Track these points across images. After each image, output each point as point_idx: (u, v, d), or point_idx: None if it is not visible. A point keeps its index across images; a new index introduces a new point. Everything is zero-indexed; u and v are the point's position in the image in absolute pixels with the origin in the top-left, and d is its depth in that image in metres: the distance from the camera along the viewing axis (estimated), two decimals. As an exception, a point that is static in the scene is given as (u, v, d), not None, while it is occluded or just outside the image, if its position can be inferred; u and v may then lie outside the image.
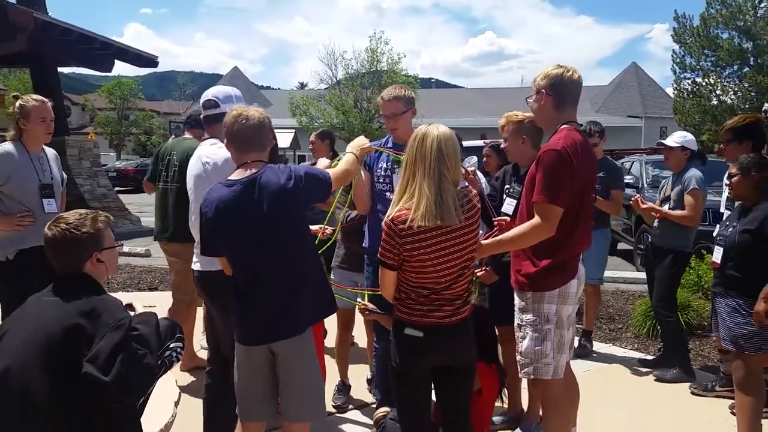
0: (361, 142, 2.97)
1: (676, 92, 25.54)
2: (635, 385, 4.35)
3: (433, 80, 64.26)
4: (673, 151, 4.40)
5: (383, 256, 2.41)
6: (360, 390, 4.12)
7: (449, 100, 37.12)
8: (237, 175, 2.47)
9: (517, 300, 2.87)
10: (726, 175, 3.49)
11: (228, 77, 40.91)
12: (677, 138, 4.44)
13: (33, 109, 3.48)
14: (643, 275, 7.51)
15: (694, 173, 4.29)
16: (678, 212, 4.28)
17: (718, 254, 3.37)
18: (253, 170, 2.44)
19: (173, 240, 4.33)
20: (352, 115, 27.18)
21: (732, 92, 23.88)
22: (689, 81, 24.74)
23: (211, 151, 2.97)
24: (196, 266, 2.94)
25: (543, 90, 2.78)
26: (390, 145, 3.40)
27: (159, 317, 2.18)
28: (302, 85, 48.05)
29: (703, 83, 24.18)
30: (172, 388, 2.88)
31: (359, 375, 4.21)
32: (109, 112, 44.72)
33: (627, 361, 4.77)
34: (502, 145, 3.71)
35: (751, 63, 23.71)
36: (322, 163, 3.03)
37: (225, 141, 2.54)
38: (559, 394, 2.83)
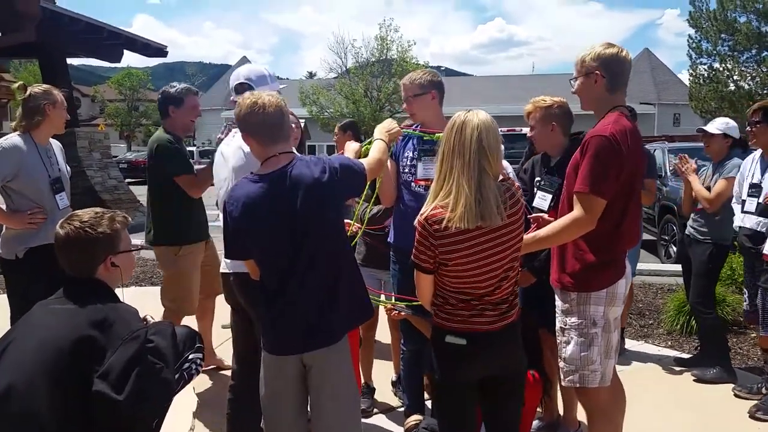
0: (387, 126, 2.74)
1: (691, 78, 24.94)
2: (673, 384, 4.13)
3: (442, 68, 63.82)
4: (714, 138, 4.15)
5: (417, 258, 2.19)
6: (385, 392, 3.92)
7: (459, 88, 36.68)
8: (265, 168, 2.22)
9: (559, 302, 2.65)
10: None
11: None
12: (719, 124, 4.17)
13: (59, 95, 3.37)
14: (668, 267, 7.30)
15: (736, 162, 4.05)
16: (702, 190, 4.08)
17: (770, 248, 3.14)
18: (283, 163, 2.21)
19: (152, 242, 4.01)
20: (363, 105, 26.89)
21: (750, 77, 23.27)
22: (705, 66, 24.17)
23: None
24: (225, 269, 2.67)
25: (597, 71, 2.52)
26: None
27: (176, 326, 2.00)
28: (311, 75, 47.79)
29: (720, 68, 23.61)
30: (190, 396, 2.69)
31: (383, 376, 4.01)
32: (118, 103, 44.78)
33: (662, 359, 4.55)
34: (528, 134, 3.47)
35: (770, 47, 23.12)
36: (351, 147, 2.75)
37: (242, 134, 2.29)
38: (607, 403, 2.63)
